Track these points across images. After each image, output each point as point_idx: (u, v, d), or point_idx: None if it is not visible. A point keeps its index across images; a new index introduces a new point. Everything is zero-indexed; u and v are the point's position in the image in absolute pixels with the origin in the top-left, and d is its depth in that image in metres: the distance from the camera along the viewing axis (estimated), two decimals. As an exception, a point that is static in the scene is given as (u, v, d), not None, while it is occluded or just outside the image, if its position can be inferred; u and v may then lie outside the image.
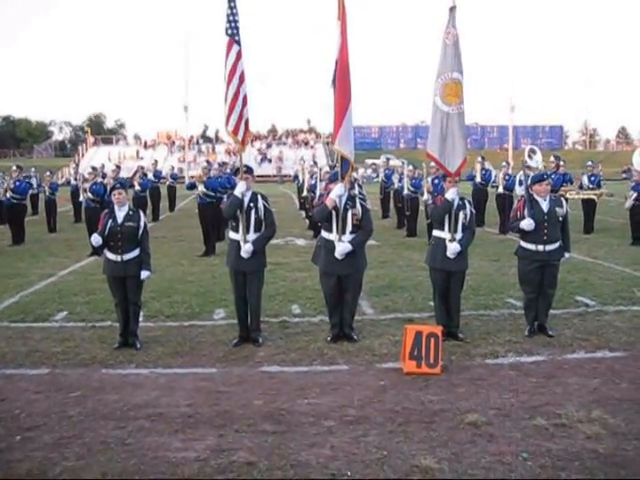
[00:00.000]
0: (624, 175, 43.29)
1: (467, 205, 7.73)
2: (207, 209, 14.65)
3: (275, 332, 8.11)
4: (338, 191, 7.40)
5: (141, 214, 7.66)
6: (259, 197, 7.61)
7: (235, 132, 7.66)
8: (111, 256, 7.49)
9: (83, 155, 57.52)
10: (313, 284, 10.99)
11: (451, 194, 7.57)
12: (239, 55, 7.57)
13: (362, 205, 7.59)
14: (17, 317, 8.98)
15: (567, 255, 8.02)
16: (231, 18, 7.47)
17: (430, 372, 6.57)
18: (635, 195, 15.34)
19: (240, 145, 7.95)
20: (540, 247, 7.69)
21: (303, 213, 20.58)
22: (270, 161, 59.53)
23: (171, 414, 5.63)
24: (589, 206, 17.46)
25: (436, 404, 5.84)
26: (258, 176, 43.30)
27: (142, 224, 7.55)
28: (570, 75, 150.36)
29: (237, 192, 7.43)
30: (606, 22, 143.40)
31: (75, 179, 20.94)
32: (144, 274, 7.52)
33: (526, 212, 7.69)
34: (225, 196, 7.73)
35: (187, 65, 55.10)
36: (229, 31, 7.52)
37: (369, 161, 54.71)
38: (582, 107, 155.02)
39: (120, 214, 7.49)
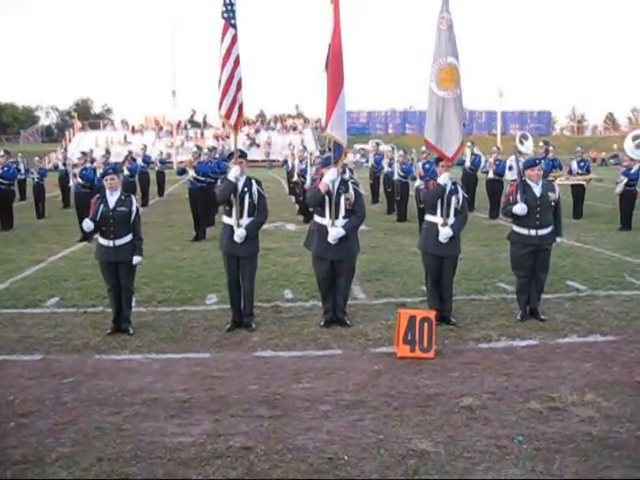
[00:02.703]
0: (612, 160, 43.51)
1: (459, 190, 7.73)
2: (198, 194, 14.59)
3: (268, 317, 8.11)
4: (331, 176, 7.38)
5: (133, 199, 7.61)
6: (253, 182, 7.59)
7: (227, 116, 7.60)
8: (103, 241, 7.45)
9: (70, 140, 57.02)
10: (304, 269, 11.00)
11: (443, 179, 7.57)
12: (234, 39, 7.50)
13: (355, 190, 7.58)
14: (7, 303, 8.92)
15: (559, 240, 8.06)
16: (227, 1, 7.39)
17: (424, 356, 6.60)
18: (625, 180, 15.41)
19: (233, 129, 7.91)
20: (533, 232, 7.71)
21: (293, 198, 20.55)
22: (258, 146, 59.26)
23: (166, 399, 5.62)
24: (578, 191, 17.53)
25: (431, 388, 5.86)
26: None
27: (134, 209, 7.50)
28: (558, 61, 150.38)
29: (231, 176, 7.39)
30: (593, 8, 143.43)
31: (64, 164, 20.77)
32: (136, 259, 7.49)
33: (519, 197, 7.70)
34: (219, 180, 7.68)
35: (174, 50, 54.75)
36: (225, 14, 7.45)
37: (357, 146, 54.61)
38: (570, 93, 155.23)
39: (112, 199, 7.44)
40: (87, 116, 71.58)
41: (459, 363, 6.51)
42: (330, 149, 7.91)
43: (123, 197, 7.51)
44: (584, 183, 17.02)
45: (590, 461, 4.52)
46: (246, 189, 7.47)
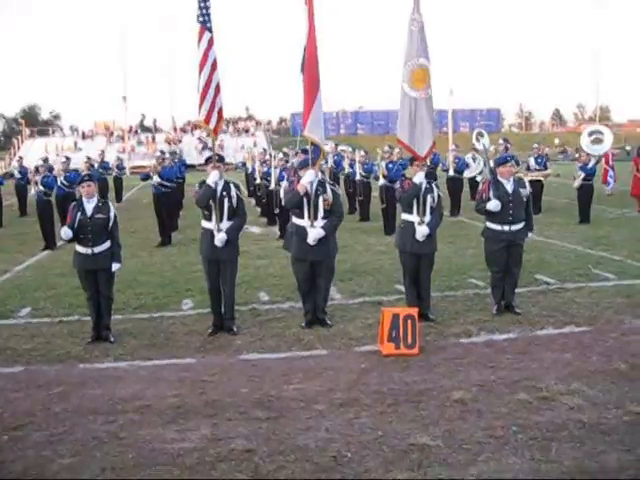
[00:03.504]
0: (561, 156, 44.54)
1: (434, 188, 7.87)
2: (162, 199, 14.46)
3: (247, 320, 8.12)
4: (309, 177, 7.44)
5: (110, 205, 7.54)
6: (232, 186, 7.59)
7: (207, 121, 7.60)
8: (81, 249, 7.35)
9: (19, 148, 55.75)
10: (275, 270, 11.07)
11: (419, 178, 7.70)
12: (211, 42, 7.51)
13: (332, 190, 7.65)
14: (-22, 315, 8.73)
15: (530, 234, 8.28)
16: (202, 4, 7.38)
17: (409, 353, 6.70)
18: (583, 175, 15.82)
19: (213, 134, 7.91)
20: (506, 227, 7.90)
21: (253, 201, 20.50)
22: (211, 149, 58.83)
23: (159, 406, 5.60)
24: (536, 187, 17.79)
25: (420, 384, 5.97)
26: (199, 165, 43.05)
27: (112, 215, 7.44)
28: (505, 58, 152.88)
29: (210, 181, 7.38)
30: (539, 5, 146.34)
31: (20, 172, 20.31)
32: (115, 266, 7.43)
33: (491, 194, 7.87)
34: (197, 185, 7.66)
35: (124, 55, 54.07)
36: (200, 18, 7.45)
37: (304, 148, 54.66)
38: (517, 90, 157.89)
39: (89, 206, 7.35)
40: (35, 123, 69.90)
41: (443, 358, 6.63)
42: (303, 151, 7.97)
43: (100, 204, 7.44)
44: (542, 179, 17.41)
45: (584, 447, 4.68)
46: (225, 193, 7.47)
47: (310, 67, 7.30)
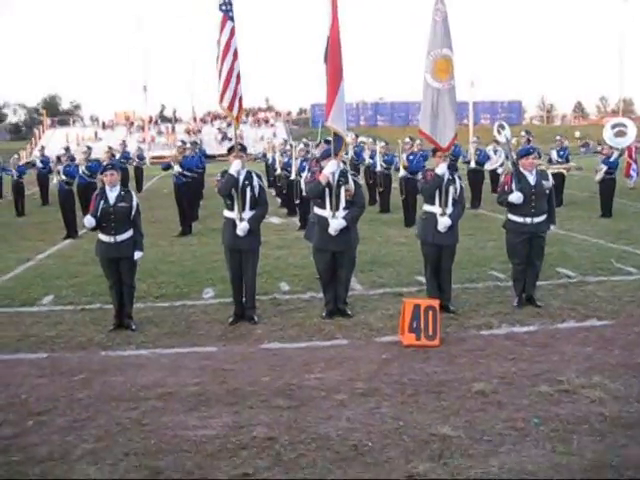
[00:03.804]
0: (582, 149, 44.10)
1: (457, 180, 7.84)
2: (183, 189, 14.52)
3: (268, 309, 8.16)
4: (331, 167, 7.43)
5: (133, 194, 7.60)
6: (254, 175, 7.61)
7: (230, 108, 7.63)
8: (104, 238, 7.41)
9: (40, 137, 56.20)
10: (295, 261, 11.09)
11: (441, 169, 7.67)
12: (233, 32, 7.52)
13: (354, 181, 7.64)
14: (2, 302, 8.84)
15: (552, 227, 8.23)
16: None
17: (429, 344, 6.70)
18: (605, 169, 15.66)
19: (235, 121, 7.93)
20: (528, 219, 7.84)
21: (273, 191, 20.54)
22: (230, 140, 58.92)
23: (181, 393, 5.64)
24: (558, 180, 17.71)
25: (440, 375, 5.97)
26: (219, 155, 43.16)
27: (135, 204, 7.49)
28: (527, 51, 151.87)
29: (232, 170, 7.41)
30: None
31: (42, 162, 20.50)
32: (137, 255, 7.49)
33: (514, 186, 7.82)
34: (219, 175, 7.69)
35: (145, 45, 54.28)
36: (223, 7, 7.46)
37: (330, 138, 54.59)
38: (539, 82, 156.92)
39: (112, 195, 7.41)
40: (55, 113, 70.49)
41: (464, 350, 6.62)
42: (325, 142, 7.96)
43: (123, 192, 7.49)
44: (564, 172, 17.27)
45: (606, 440, 4.66)
46: (247, 182, 7.50)
47: (333, 57, 7.28)
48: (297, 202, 14.88)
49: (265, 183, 7.86)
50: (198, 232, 14.78)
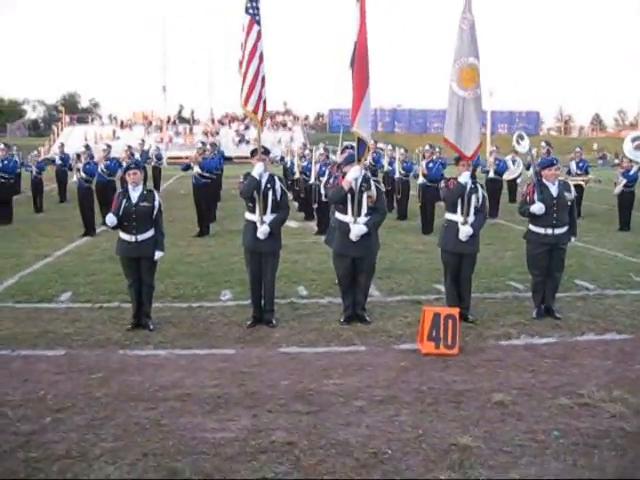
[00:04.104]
0: (600, 162, 43.89)
1: (479, 189, 7.81)
2: (202, 190, 14.56)
3: (286, 313, 8.15)
4: (355, 173, 7.42)
5: (156, 194, 7.61)
6: (276, 178, 7.62)
7: (255, 111, 7.65)
8: (125, 236, 7.44)
9: (58, 135, 56.57)
10: (313, 265, 11.08)
11: (464, 177, 7.64)
12: (259, 35, 7.55)
13: (377, 187, 7.63)
14: (21, 298, 8.88)
15: (573, 239, 8.18)
16: None
17: (448, 353, 6.67)
18: (624, 182, 15.55)
19: (259, 124, 7.93)
20: (549, 231, 7.80)
21: (290, 195, 20.57)
22: (248, 142, 59.10)
23: (200, 395, 5.64)
24: (576, 192, 17.62)
25: (460, 384, 5.93)
26: (236, 157, 43.28)
27: (157, 204, 7.50)
28: (546, 61, 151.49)
29: (255, 173, 7.42)
30: (580, 9, 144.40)
31: (61, 158, 20.63)
32: (158, 254, 7.50)
33: (536, 196, 7.78)
34: (241, 177, 7.70)
35: (165, 45, 54.58)
36: (250, 10, 7.49)
37: (347, 143, 54.54)
38: (557, 93, 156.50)
39: (134, 194, 7.43)
40: (74, 110, 71.07)
41: (483, 360, 6.58)
42: (346, 147, 7.95)
43: (145, 192, 7.51)
44: (582, 184, 17.16)
45: (628, 456, 4.62)
46: (269, 185, 7.50)
47: (360, 63, 7.28)
48: (315, 206, 14.88)
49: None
50: (216, 233, 14.81)
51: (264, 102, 7.69)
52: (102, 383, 5.93)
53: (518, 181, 19.52)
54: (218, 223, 16.24)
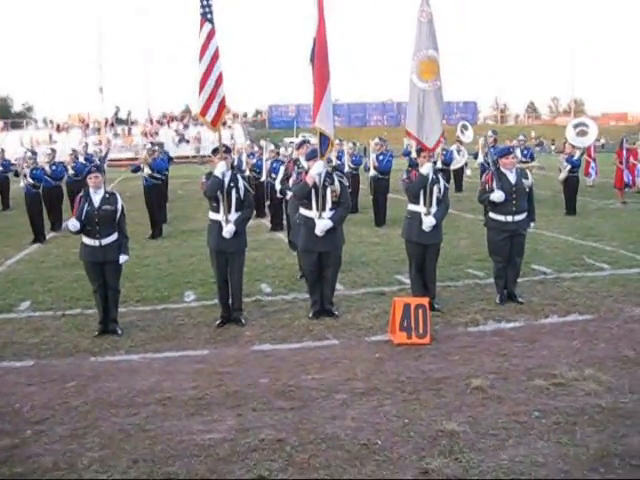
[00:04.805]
0: (537, 148, 45.06)
1: (440, 179, 7.93)
2: (152, 191, 14.36)
3: (253, 311, 8.13)
4: (318, 169, 7.45)
5: (118, 197, 7.48)
6: (239, 177, 7.58)
7: (203, 113, 7.54)
8: (88, 241, 7.29)
9: (-9, 141, 54.97)
10: (272, 262, 11.09)
11: (426, 169, 7.74)
12: (211, 34, 7.45)
13: (340, 181, 7.67)
14: (-23, 309, 8.61)
15: (532, 225, 8.40)
16: None
17: (420, 342, 6.76)
18: (569, 167, 15.99)
19: (211, 126, 7.81)
20: (509, 218, 7.99)
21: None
22: (188, 142, 58.59)
23: (180, 397, 5.58)
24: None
25: (436, 372, 6.03)
26: (177, 157, 42.79)
27: (119, 207, 7.38)
28: (481, 50, 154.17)
29: (217, 172, 7.36)
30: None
31: (2, 165, 20.01)
32: (122, 258, 7.38)
33: (495, 184, 7.95)
34: (204, 177, 7.63)
35: (100, 46, 53.52)
36: (201, 9, 7.41)
37: (287, 140, 54.53)
38: (493, 83, 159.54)
39: (96, 198, 7.29)
40: (7, 115, 68.95)
41: (455, 347, 6.70)
42: (308, 142, 7.95)
43: (107, 195, 7.38)
44: (527, 171, 17.53)
45: (607, 431, 4.77)
46: (232, 184, 7.45)
47: (320, 59, 7.29)
48: (267, 203, 14.84)
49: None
50: (169, 234, 14.64)
51: (221, 101, 7.57)
52: (78, 392, 5.81)
53: (468, 173, 19.91)
54: (170, 224, 16.06)
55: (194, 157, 53.72)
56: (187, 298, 8.93)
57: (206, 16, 7.53)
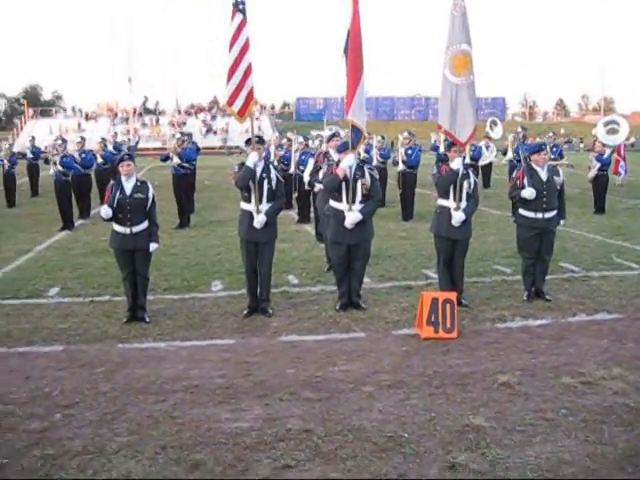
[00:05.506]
0: (565, 146, 44.58)
1: (471, 175, 7.89)
2: (181, 181, 14.44)
3: (280, 302, 8.15)
4: (349, 161, 7.44)
5: (149, 185, 7.54)
6: (271, 167, 7.61)
7: (230, 103, 7.55)
8: (119, 229, 7.36)
9: (22, 128, 55.58)
10: (300, 254, 11.11)
11: (456, 164, 7.71)
12: (242, 24, 7.46)
13: (370, 174, 7.66)
14: (7, 294, 8.74)
15: (562, 222, 8.33)
16: None
17: (447, 337, 6.75)
18: (598, 165, 15.81)
19: (238, 116, 7.79)
20: (539, 215, 7.93)
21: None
22: (215, 133, 58.82)
23: (208, 386, 5.64)
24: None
25: (463, 367, 6.02)
26: (204, 148, 43.00)
27: (150, 195, 7.44)
28: (510, 47, 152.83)
29: (249, 163, 7.39)
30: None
31: (32, 152, 20.27)
32: (153, 246, 7.45)
33: (526, 181, 7.89)
34: (236, 167, 7.67)
35: (130, 36, 53.89)
36: (232, 0, 7.42)
37: (314, 132, 54.50)
38: (522, 79, 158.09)
39: (128, 185, 7.36)
40: (37, 103, 69.66)
41: (482, 343, 6.68)
42: (338, 134, 7.94)
43: (139, 183, 7.44)
44: (559, 168, 17.38)
45: (635, 430, 4.74)
46: (264, 175, 7.48)
47: (354, 51, 7.28)
48: (295, 195, 14.86)
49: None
50: (196, 224, 14.74)
51: (250, 92, 7.56)
52: (107, 377, 5.89)
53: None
54: (197, 214, 16.16)
55: (221, 148, 53.96)
56: (214, 288, 8.99)
57: (238, 6, 7.55)
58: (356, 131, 7.48)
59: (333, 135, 9.85)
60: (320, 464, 4.31)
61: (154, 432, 4.81)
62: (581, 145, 54.07)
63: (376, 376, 5.79)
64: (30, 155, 20.48)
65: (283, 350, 6.54)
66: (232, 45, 7.53)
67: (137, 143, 18.85)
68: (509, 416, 4.98)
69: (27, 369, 6.15)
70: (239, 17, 7.56)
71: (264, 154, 7.96)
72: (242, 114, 7.75)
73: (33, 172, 20.69)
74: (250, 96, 7.68)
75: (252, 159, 7.38)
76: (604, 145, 16.41)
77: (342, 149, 7.69)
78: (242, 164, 7.53)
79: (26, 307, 8.16)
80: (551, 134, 18.28)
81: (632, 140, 44.87)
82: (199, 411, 5.15)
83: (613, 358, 6.21)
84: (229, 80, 7.54)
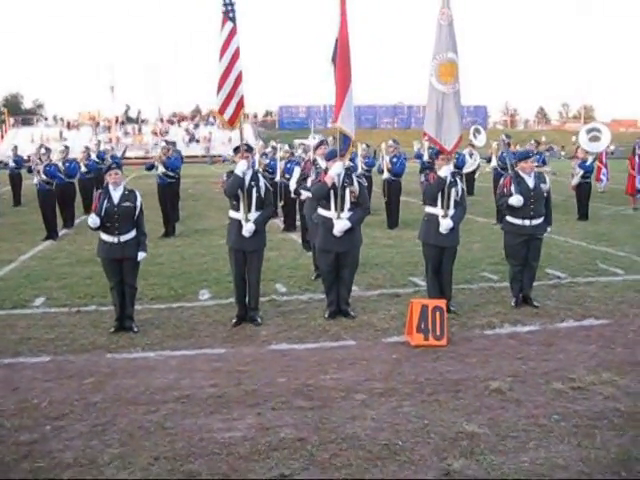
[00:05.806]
0: (547, 154, 44.91)
1: (458, 182, 7.93)
2: (166, 189, 14.37)
3: (269, 311, 8.13)
4: (337, 169, 7.45)
5: (137, 194, 7.49)
6: (260, 176, 7.59)
7: (221, 111, 7.55)
8: (107, 238, 7.31)
9: (2, 137, 55.19)
10: (287, 262, 11.10)
11: (444, 171, 7.73)
12: (232, 32, 7.46)
13: (359, 182, 7.67)
14: (-8, 304, 8.64)
15: (549, 229, 8.38)
16: None
17: (437, 344, 6.76)
18: (581, 173, 15.95)
19: (228, 125, 7.80)
20: (527, 222, 7.98)
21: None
22: (198, 141, 58.73)
23: (199, 395, 5.59)
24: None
25: (454, 374, 6.03)
26: (187, 157, 42.91)
27: (138, 204, 7.40)
28: (491, 56, 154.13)
29: (238, 171, 7.37)
30: (525, 4, 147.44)
31: (14, 161, 20.11)
32: (141, 255, 7.40)
33: (513, 189, 7.94)
34: (224, 175, 7.65)
35: (112, 45, 53.70)
36: (222, 8, 7.42)
37: (297, 141, 54.56)
38: (503, 88, 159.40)
39: (116, 194, 7.31)
40: (17, 112, 69.23)
41: (472, 349, 6.70)
42: (326, 142, 7.94)
43: (127, 192, 7.40)
44: (546, 175, 17.52)
45: (627, 435, 4.76)
46: (253, 183, 7.47)
47: (343, 58, 7.30)
48: (281, 204, 14.84)
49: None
50: (181, 233, 14.68)
51: (239, 100, 7.57)
52: (96, 388, 5.83)
53: (476, 175, 19.86)
54: (182, 223, 16.10)
55: (204, 157, 53.84)
56: (202, 296, 8.95)
57: (228, 15, 7.54)
58: (345, 138, 7.50)
59: (321, 143, 9.86)
60: (315, 473, 4.29)
61: (146, 443, 4.76)
62: (562, 153, 54.61)
63: (368, 384, 5.78)
64: (12, 164, 20.31)
65: (273, 359, 6.51)
66: (223, 53, 7.53)
67: (124, 152, 18.68)
68: (502, 422, 4.99)
69: (14, 380, 6.07)
70: (229, 25, 7.55)
71: (251, 162, 7.95)
72: (232, 122, 7.76)
73: (16, 181, 20.52)
74: (240, 104, 7.70)
75: (241, 167, 7.36)
76: (587, 152, 16.55)
77: (330, 157, 7.70)
78: (231, 172, 7.51)
79: (11, 317, 8.07)
80: (533, 141, 18.39)
81: (612, 148, 45.34)
82: (191, 421, 5.11)
83: (602, 363, 6.25)
84: (220, 89, 7.54)
